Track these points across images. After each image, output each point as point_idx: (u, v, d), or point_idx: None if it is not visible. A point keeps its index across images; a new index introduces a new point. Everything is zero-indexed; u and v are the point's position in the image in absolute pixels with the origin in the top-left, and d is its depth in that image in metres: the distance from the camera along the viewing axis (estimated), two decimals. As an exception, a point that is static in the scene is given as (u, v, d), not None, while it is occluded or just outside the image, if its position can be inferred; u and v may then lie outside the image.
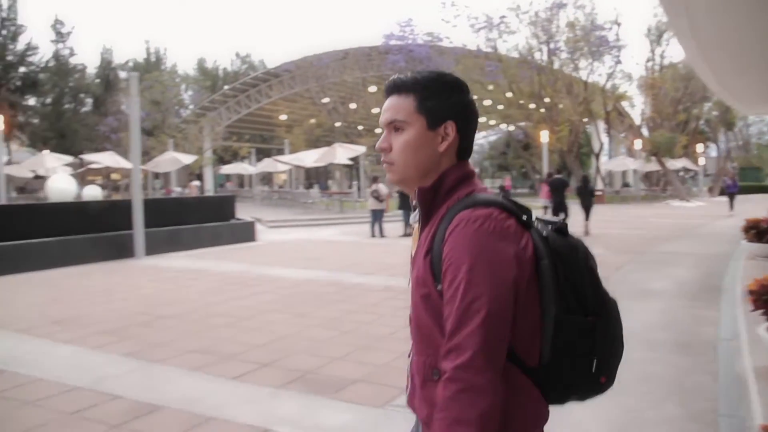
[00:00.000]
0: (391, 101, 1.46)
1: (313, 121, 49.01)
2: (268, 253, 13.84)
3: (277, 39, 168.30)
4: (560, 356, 1.34)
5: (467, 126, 1.45)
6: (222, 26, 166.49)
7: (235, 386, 4.89)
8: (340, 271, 10.87)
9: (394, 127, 1.45)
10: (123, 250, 12.82)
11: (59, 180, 15.48)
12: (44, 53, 48.38)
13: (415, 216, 1.50)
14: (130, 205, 13.26)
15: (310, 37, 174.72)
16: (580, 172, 37.45)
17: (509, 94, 42.27)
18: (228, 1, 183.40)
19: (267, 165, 35.02)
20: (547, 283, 1.33)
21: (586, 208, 16.46)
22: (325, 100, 45.22)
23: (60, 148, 44.14)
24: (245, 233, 16.01)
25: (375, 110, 48.27)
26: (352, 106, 45.53)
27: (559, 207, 15.53)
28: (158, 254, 13.24)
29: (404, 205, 16.49)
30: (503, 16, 39.05)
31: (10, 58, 46.03)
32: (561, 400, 1.43)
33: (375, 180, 17.24)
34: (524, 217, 1.38)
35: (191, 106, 49.89)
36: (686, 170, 48.81)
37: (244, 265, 11.80)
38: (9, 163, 35.66)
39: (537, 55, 40.05)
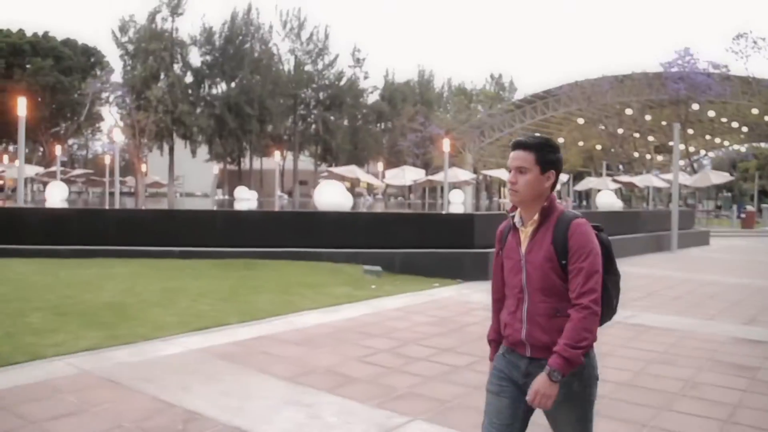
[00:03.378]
0: (518, 153, 2.44)
1: (579, 143, 53.14)
2: (720, 254, 18.95)
3: (533, 63, 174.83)
4: (605, 297, 2.41)
5: (559, 172, 2.47)
6: (477, 50, 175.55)
7: None
8: None
9: (520, 170, 2.42)
10: (660, 246, 18.31)
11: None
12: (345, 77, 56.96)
13: (519, 220, 2.49)
14: (664, 213, 19.42)
15: (567, 62, 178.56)
16: None
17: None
18: (485, 26, 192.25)
19: (598, 183, 38.41)
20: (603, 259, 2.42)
21: None
22: (581, 121, 49.02)
23: (354, 159, 51.93)
24: (704, 239, 21.48)
25: (638, 136, 51.34)
26: (636, 135, 48.89)
27: None
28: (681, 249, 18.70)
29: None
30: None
31: (323, 82, 55.01)
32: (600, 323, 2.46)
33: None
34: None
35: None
36: None
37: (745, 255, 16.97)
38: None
39: None
